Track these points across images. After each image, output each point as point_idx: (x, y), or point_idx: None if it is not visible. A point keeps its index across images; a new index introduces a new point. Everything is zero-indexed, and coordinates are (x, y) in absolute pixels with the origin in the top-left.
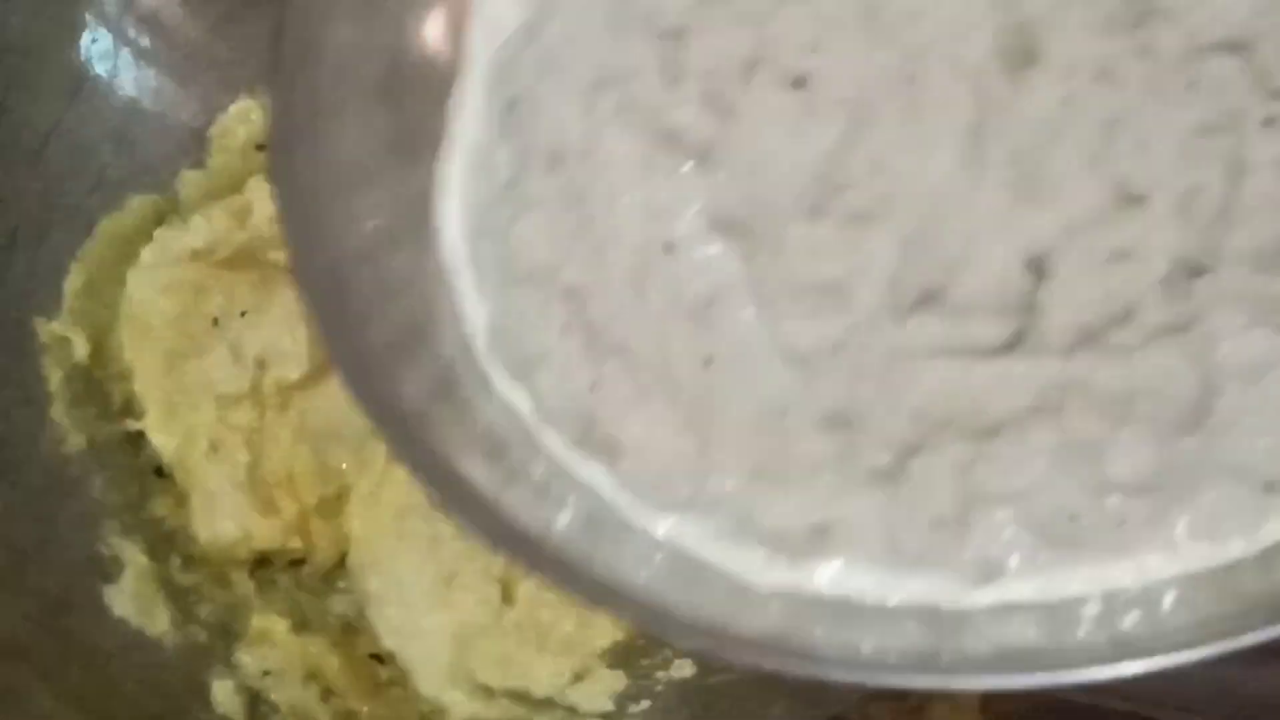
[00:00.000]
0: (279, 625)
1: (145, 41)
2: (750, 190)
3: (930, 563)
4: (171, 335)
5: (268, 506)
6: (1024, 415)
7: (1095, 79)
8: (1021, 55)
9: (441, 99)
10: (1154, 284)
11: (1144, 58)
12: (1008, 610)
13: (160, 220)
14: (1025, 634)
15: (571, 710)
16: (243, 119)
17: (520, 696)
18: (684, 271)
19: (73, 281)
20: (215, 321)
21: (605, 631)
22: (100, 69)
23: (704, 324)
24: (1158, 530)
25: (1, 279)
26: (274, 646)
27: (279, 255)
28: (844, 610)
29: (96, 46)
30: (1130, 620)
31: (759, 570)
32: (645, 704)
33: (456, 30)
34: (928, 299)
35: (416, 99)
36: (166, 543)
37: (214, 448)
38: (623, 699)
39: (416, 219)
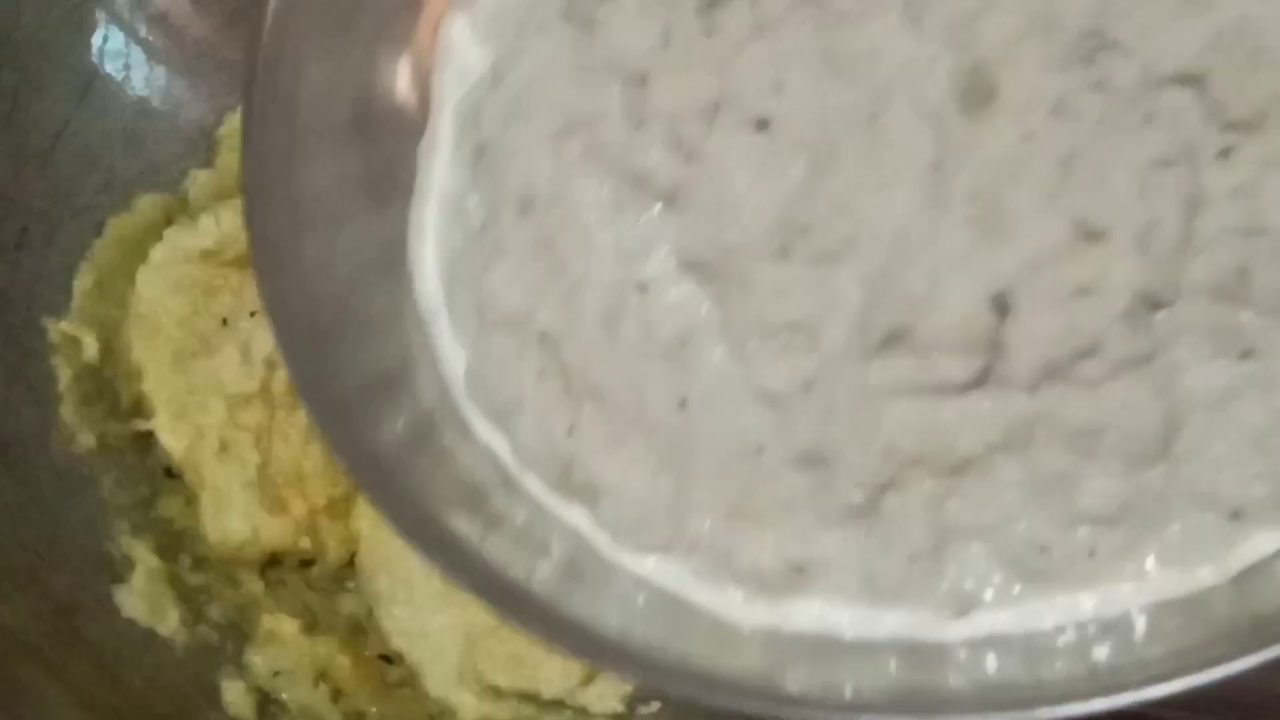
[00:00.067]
0: (288, 625)
1: (155, 41)
2: (717, 232)
3: (907, 597)
4: (181, 335)
5: (277, 506)
6: (993, 450)
7: (1052, 114)
8: (979, 94)
9: (412, 142)
10: (1116, 318)
11: (1099, 92)
12: (985, 643)
13: (169, 220)
14: (1004, 667)
15: (581, 711)
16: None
17: (529, 697)
18: (656, 313)
19: (82, 281)
20: (224, 321)
21: None
22: (110, 68)
23: (678, 365)
24: (1128, 560)
25: (11, 278)
26: (284, 646)
27: None
28: (825, 647)
29: (107, 46)
30: (1105, 650)
31: (740, 609)
32: (655, 705)
33: (424, 74)
34: (895, 338)
35: (387, 143)
36: (176, 543)
37: (223, 448)
38: (633, 700)
39: (391, 263)
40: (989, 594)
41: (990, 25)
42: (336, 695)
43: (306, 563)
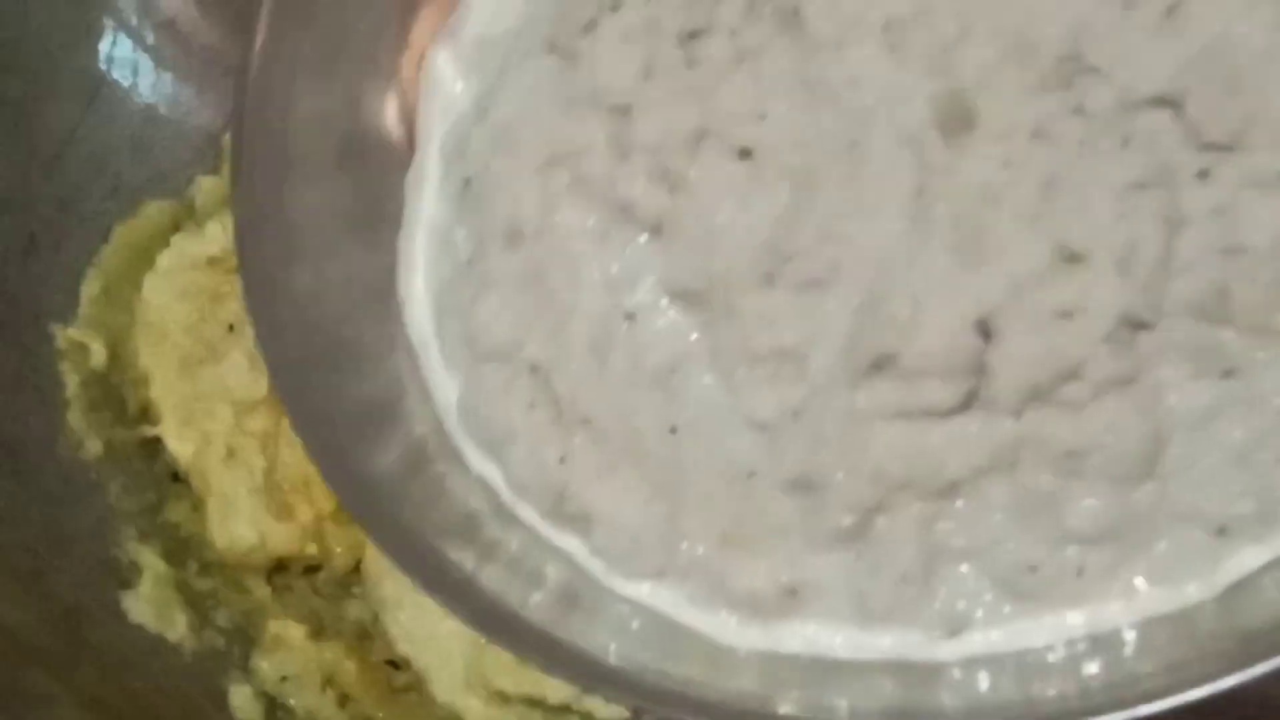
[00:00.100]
0: (295, 631)
1: (162, 48)
2: (703, 261)
3: (899, 618)
4: (188, 341)
5: (284, 512)
6: (980, 473)
7: (1031, 139)
8: (959, 120)
9: (400, 174)
10: (1099, 340)
11: (1078, 116)
12: (977, 662)
13: (176, 226)
14: (996, 686)
15: (587, 716)
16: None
17: (536, 703)
18: (645, 341)
19: (89, 287)
20: (231, 328)
21: None
22: (117, 75)
23: (668, 392)
24: (1116, 578)
25: (19, 284)
26: (291, 652)
27: None
28: (819, 668)
29: (114, 53)
30: (1096, 668)
31: (734, 632)
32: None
33: (411, 107)
34: (881, 364)
35: (375, 174)
36: (183, 548)
37: (230, 454)
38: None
39: (381, 294)
40: (979, 614)
41: (968, 52)
42: (343, 700)
43: (313, 568)
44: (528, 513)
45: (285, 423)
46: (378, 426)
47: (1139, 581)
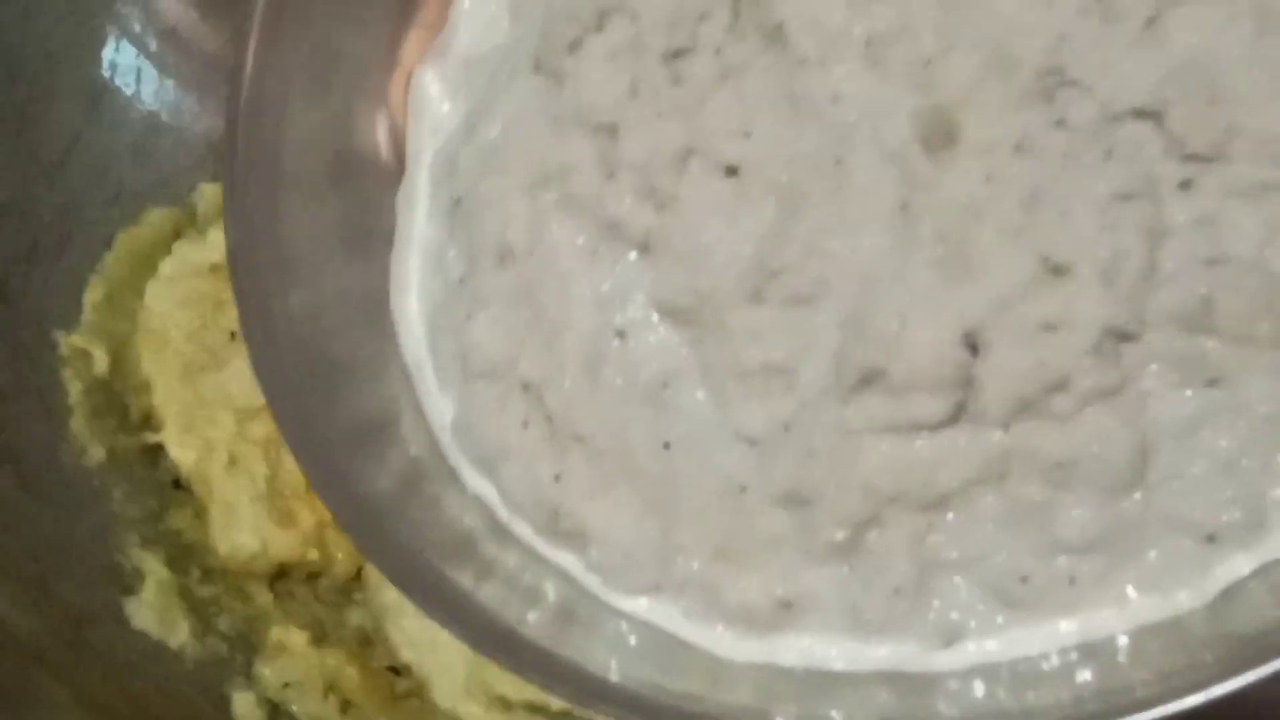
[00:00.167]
0: (298, 637)
1: (164, 55)
2: (692, 278)
3: (893, 630)
4: (190, 348)
5: (286, 519)
6: (970, 485)
7: (1014, 153)
8: (942, 135)
9: (391, 193)
10: (1084, 351)
11: (1060, 129)
12: (973, 672)
13: (178, 233)
14: (992, 695)
15: None
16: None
17: (537, 709)
18: (636, 358)
19: (92, 294)
20: (233, 335)
21: None
22: (120, 82)
23: (660, 408)
24: (1108, 586)
25: (22, 291)
26: (293, 658)
27: None
28: (816, 681)
29: (116, 60)
30: (1090, 676)
31: (731, 645)
32: None
33: (401, 125)
34: (869, 379)
35: (367, 194)
36: (186, 555)
37: (232, 461)
38: None
39: (374, 313)
40: (973, 625)
41: (949, 67)
42: (345, 707)
43: (315, 575)
44: (523, 530)
45: None
46: (373, 445)
47: (1130, 590)
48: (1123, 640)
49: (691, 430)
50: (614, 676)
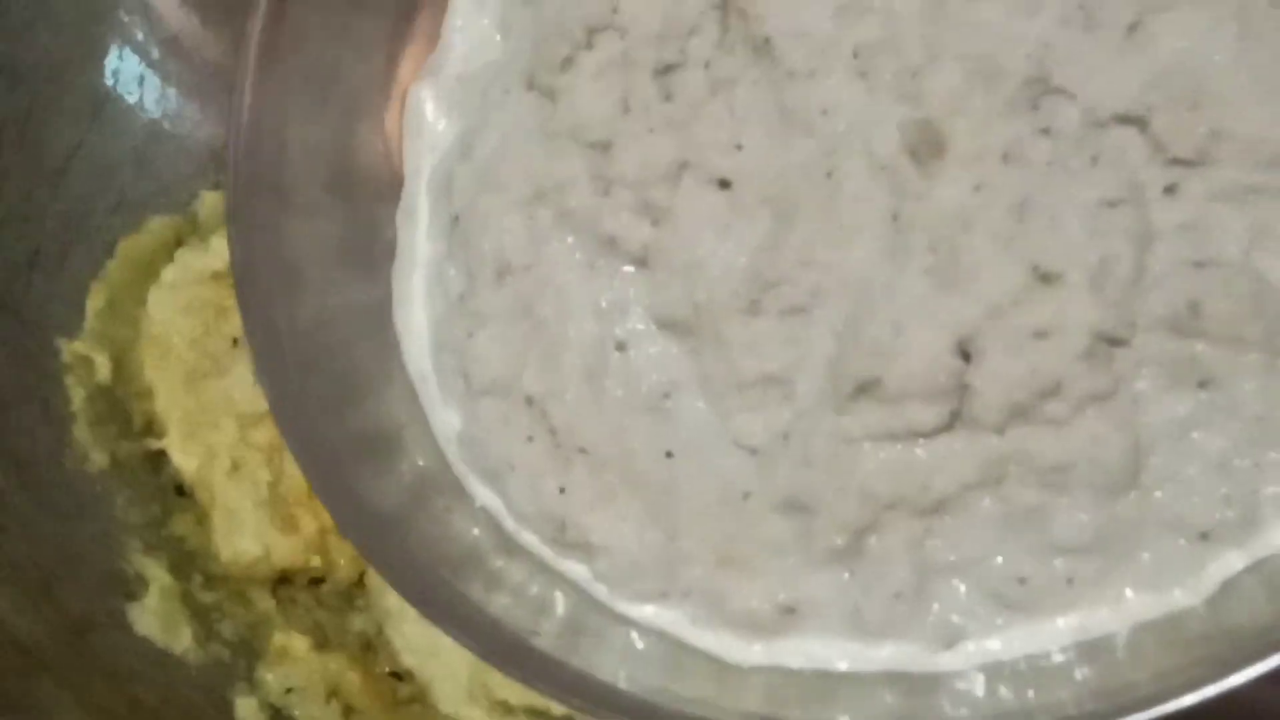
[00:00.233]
0: (300, 643)
1: (167, 64)
2: (688, 291)
3: (895, 632)
4: (192, 355)
5: (288, 525)
6: (967, 489)
7: (1002, 162)
8: (930, 146)
9: (391, 208)
10: (1076, 357)
11: (1046, 137)
12: (975, 672)
13: (180, 241)
14: (995, 694)
15: None
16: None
17: (539, 713)
18: (637, 369)
19: (94, 301)
20: (235, 341)
21: None
22: (122, 91)
23: (662, 417)
24: (1106, 586)
25: (24, 298)
26: (295, 664)
27: None
28: (821, 683)
29: (119, 68)
30: (1089, 674)
31: (737, 650)
32: None
33: (399, 143)
34: (865, 388)
35: (367, 210)
36: (188, 561)
37: (235, 467)
38: None
39: (377, 328)
40: (973, 626)
41: (936, 78)
42: (348, 712)
43: (317, 581)
44: (531, 540)
45: None
46: (379, 458)
47: (1127, 589)
48: (1121, 639)
49: (693, 439)
50: (623, 684)
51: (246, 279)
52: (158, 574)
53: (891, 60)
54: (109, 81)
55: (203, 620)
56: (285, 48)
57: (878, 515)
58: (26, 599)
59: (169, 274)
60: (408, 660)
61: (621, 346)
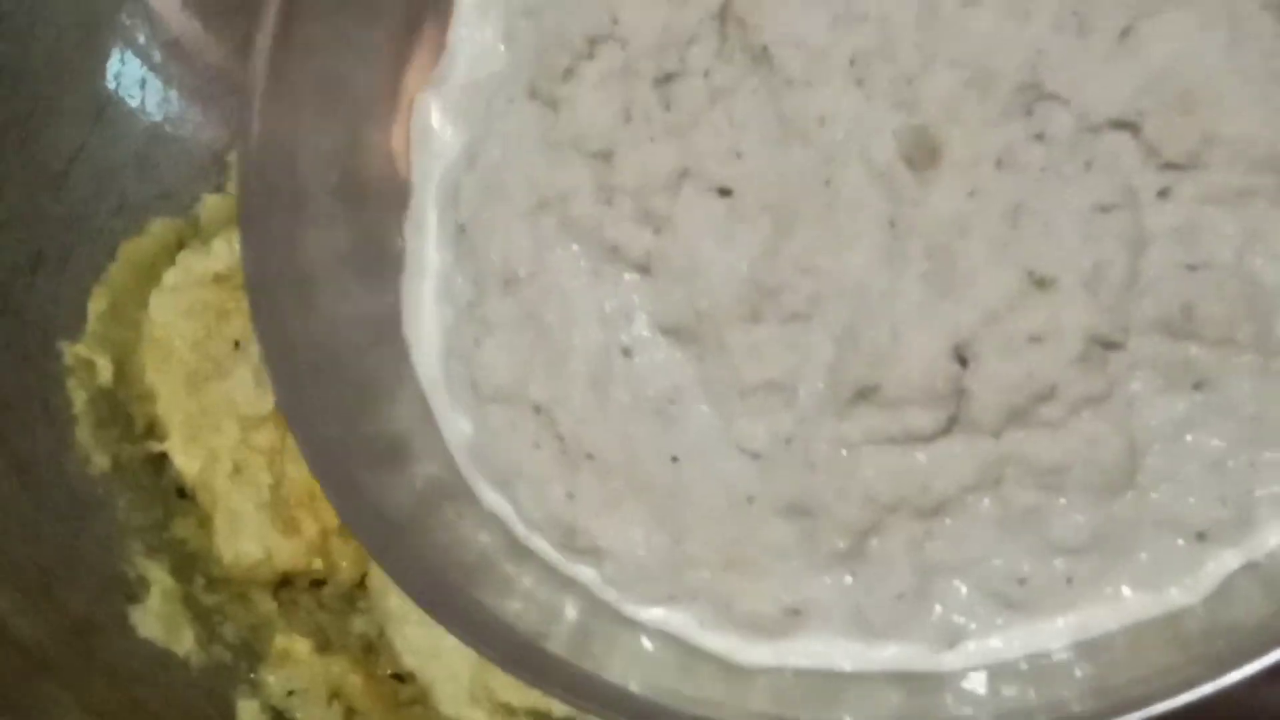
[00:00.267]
0: (301, 645)
1: (168, 66)
2: (690, 298)
3: (898, 633)
4: (194, 358)
5: (290, 527)
6: (966, 492)
7: (996, 168)
8: (926, 153)
9: (400, 216)
10: (1071, 361)
11: (1040, 142)
12: (978, 670)
13: (181, 244)
14: (998, 692)
15: None
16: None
17: (541, 715)
18: (642, 374)
19: (96, 304)
20: (237, 344)
21: None
22: (124, 93)
23: (667, 422)
24: (1104, 585)
25: (26, 301)
26: (297, 666)
27: None
28: (827, 683)
29: (121, 71)
30: (1090, 672)
31: (744, 651)
32: None
33: (405, 149)
34: (864, 393)
35: (377, 216)
36: (190, 563)
37: (236, 469)
38: None
39: (388, 335)
40: (975, 626)
41: (931, 84)
42: (349, 714)
43: (318, 583)
44: (541, 545)
45: (291, 438)
46: (392, 464)
47: (1126, 588)
48: (1121, 637)
49: (698, 443)
50: (635, 687)
51: (259, 289)
52: (159, 576)
53: (887, 67)
54: (111, 84)
55: (204, 622)
56: (294, 58)
57: (879, 518)
58: (28, 601)
59: (170, 277)
60: (409, 662)
61: (626, 352)
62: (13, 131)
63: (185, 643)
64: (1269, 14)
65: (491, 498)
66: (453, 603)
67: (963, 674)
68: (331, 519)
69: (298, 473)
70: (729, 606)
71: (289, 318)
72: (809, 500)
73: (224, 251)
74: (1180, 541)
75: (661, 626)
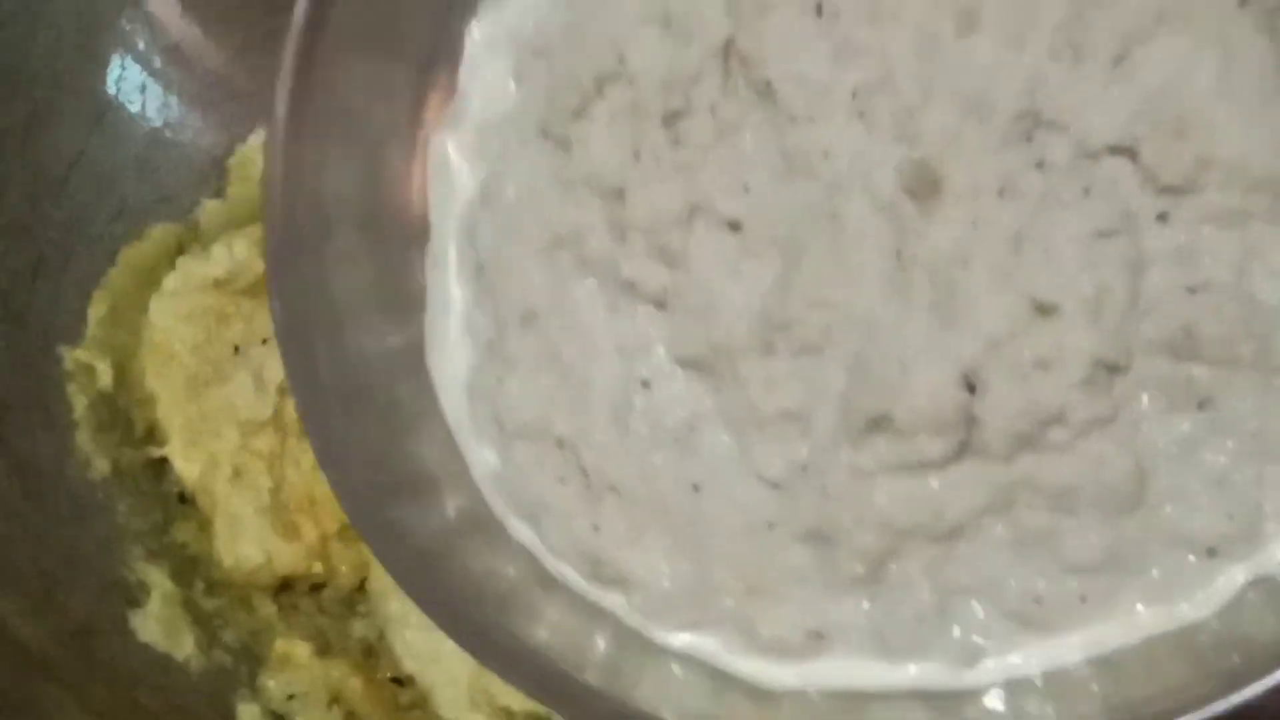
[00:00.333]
0: (302, 649)
1: (168, 72)
2: (705, 332)
3: (919, 654)
4: (194, 363)
5: (289, 531)
6: (979, 515)
7: (997, 198)
8: (928, 185)
9: (421, 252)
10: (1077, 385)
11: (1039, 170)
12: (999, 687)
13: (181, 249)
14: (1019, 707)
15: None
16: (262, 149)
17: (541, 719)
18: (661, 405)
19: (96, 309)
20: (236, 349)
21: None
22: (124, 99)
23: (688, 451)
24: (1117, 602)
25: (27, 306)
26: (297, 670)
27: None
28: (853, 703)
29: (121, 77)
30: (1107, 686)
31: (771, 675)
32: None
33: (424, 186)
34: (877, 423)
35: (399, 252)
36: (190, 568)
37: (236, 474)
38: None
39: (414, 369)
40: (993, 644)
41: (930, 116)
42: (349, 718)
43: (318, 587)
44: (570, 575)
45: (291, 443)
46: (422, 499)
47: (1139, 604)
48: (1135, 652)
49: (718, 471)
50: (667, 713)
51: (289, 333)
52: (160, 580)
53: (888, 100)
54: (111, 90)
55: (205, 627)
56: (313, 102)
57: (896, 543)
58: (29, 605)
59: (170, 282)
60: (409, 666)
61: (645, 384)
62: (13, 136)
63: (186, 647)
64: (1261, 36)
65: (519, 529)
66: (486, 634)
67: (983, 691)
68: (331, 523)
69: (298, 477)
70: (753, 631)
71: (318, 358)
72: (827, 527)
73: (224, 256)
74: (1191, 557)
75: (690, 652)
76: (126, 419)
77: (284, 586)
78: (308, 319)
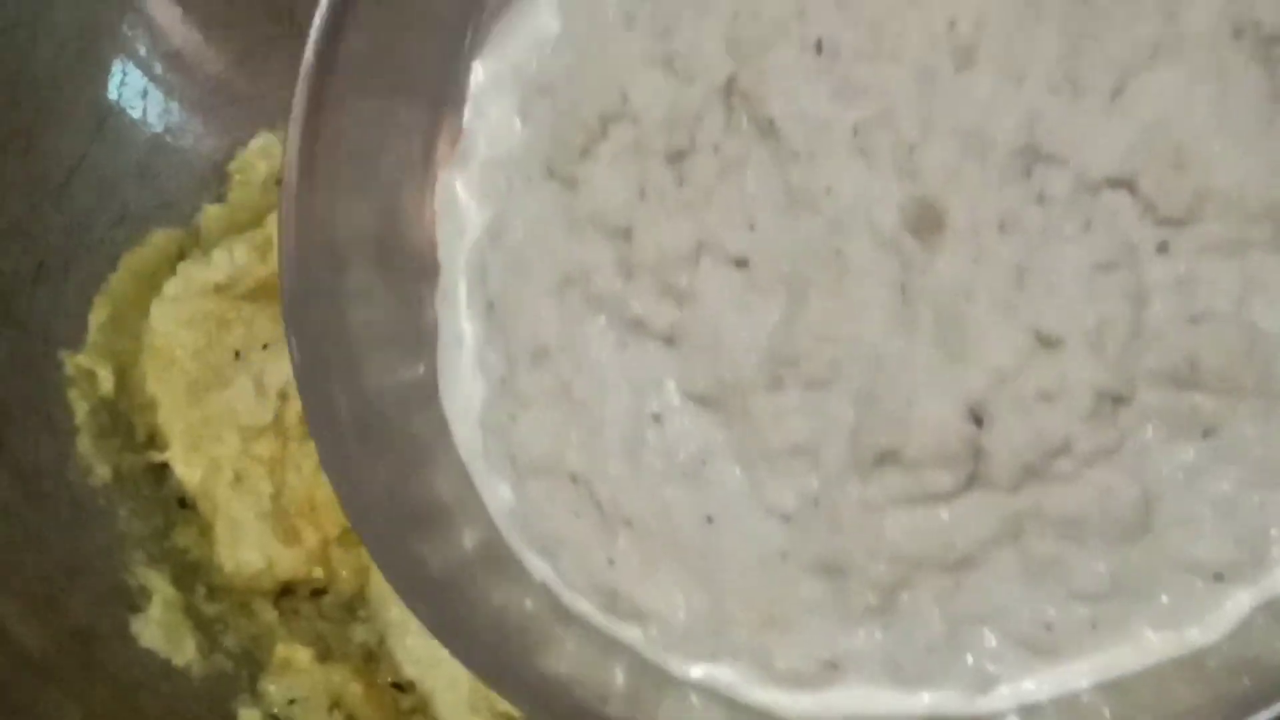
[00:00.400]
0: (302, 654)
1: (169, 77)
2: (714, 368)
3: (932, 682)
4: (195, 367)
5: (290, 536)
6: (989, 545)
7: (999, 233)
8: (930, 221)
9: (432, 289)
10: (1082, 417)
11: (1039, 204)
12: (1012, 713)
13: (182, 254)
14: None
15: None
16: (263, 154)
17: None
18: (673, 439)
19: (97, 314)
20: (237, 354)
21: None
22: (125, 104)
23: (700, 484)
24: (1126, 628)
25: (28, 312)
26: (298, 675)
27: None
28: None
29: (122, 83)
30: (1118, 712)
31: (788, 705)
32: None
33: (434, 222)
34: (885, 457)
35: (413, 286)
36: (191, 573)
37: (237, 479)
38: None
39: (428, 404)
40: (1006, 671)
41: (930, 152)
42: None
43: (319, 592)
44: (587, 610)
45: (291, 448)
46: (439, 533)
47: (1148, 630)
48: (1145, 677)
49: (731, 504)
50: None
51: (308, 375)
52: (161, 586)
53: (888, 137)
54: (112, 95)
55: (206, 632)
56: (324, 144)
57: (907, 574)
58: (31, 610)
59: (171, 287)
60: (410, 671)
61: (657, 419)
62: (15, 142)
63: (187, 652)
64: (1256, 66)
65: (536, 564)
66: (505, 667)
67: (997, 718)
68: (332, 528)
69: (298, 482)
70: (769, 662)
71: (335, 396)
72: (839, 559)
73: (224, 261)
74: (1199, 583)
75: (707, 684)
76: (127, 424)
77: (285, 591)
78: (326, 360)
